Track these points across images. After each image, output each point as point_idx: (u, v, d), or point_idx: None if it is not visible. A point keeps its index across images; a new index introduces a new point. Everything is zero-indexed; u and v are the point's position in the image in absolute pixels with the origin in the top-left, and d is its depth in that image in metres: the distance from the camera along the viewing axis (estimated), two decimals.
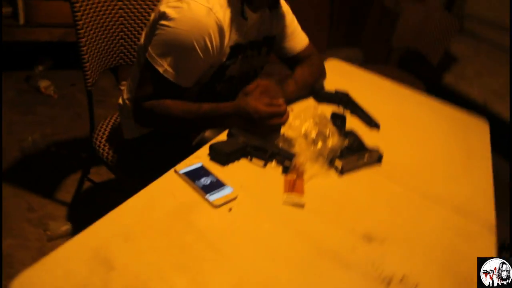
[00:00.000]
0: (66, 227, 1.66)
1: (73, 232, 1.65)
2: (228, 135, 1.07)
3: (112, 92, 2.63)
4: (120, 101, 1.39)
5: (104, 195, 1.83)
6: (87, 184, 1.77)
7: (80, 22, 1.35)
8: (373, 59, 3.92)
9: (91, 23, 1.39)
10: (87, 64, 1.39)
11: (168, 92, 1.13)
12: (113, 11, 1.48)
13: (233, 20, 1.16)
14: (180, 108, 1.14)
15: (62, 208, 1.77)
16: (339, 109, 1.42)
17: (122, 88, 1.42)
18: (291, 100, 1.33)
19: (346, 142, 1.16)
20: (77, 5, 1.33)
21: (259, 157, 1.03)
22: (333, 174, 1.08)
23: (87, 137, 1.52)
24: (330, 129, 1.17)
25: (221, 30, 1.11)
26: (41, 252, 1.54)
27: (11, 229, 1.62)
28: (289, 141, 1.12)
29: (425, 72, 3.25)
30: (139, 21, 1.56)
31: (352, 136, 1.22)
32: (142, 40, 1.25)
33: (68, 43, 2.48)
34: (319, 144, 1.12)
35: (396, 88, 1.78)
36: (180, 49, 1.09)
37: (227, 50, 1.19)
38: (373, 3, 3.98)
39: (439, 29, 2.89)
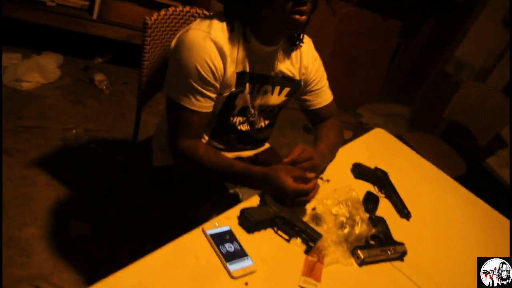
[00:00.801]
0: (86, 228, 1.71)
1: (92, 235, 1.70)
2: (261, 201, 1.09)
3: (159, 99, 2.70)
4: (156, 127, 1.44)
5: (129, 205, 1.87)
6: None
7: (147, 47, 1.40)
8: (420, 121, 3.88)
9: (155, 47, 1.45)
10: (145, 70, 1.45)
11: (191, 121, 1.16)
12: None
13: (236, 44, 1.17)
14: (212, 161, 1.17)
15: (87, 206, 1.82)
16: (374, 189, 1.41)
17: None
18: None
19: (373, 231, 1.16)
20: (149, 30, 1.38)
21: (286, 231, 1.04)
22: (353, 263, 1.08)
23: (126, 140, 1.56)
24: (360, 215, 1.17)
25: (221, 52, 1.12)
26: (60, 249, 1.60)
27: (36, 219, 1.68)
28: (317, 218, 1.13)
29: (468, 148, 3.19)
30: None
31: (380, 224, 1.21)
32: None
33: (131, 44, 2.58)
34: (347, 229, 1.12)
35: (436, 173, 1.76)
36: (187, 75, 1.11)
37: (234, 76, 1.19)
38: (434, 66, 3.94)
39: (494, 112, 2.83)
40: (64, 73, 2.57)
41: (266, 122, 1.43)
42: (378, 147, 1.72)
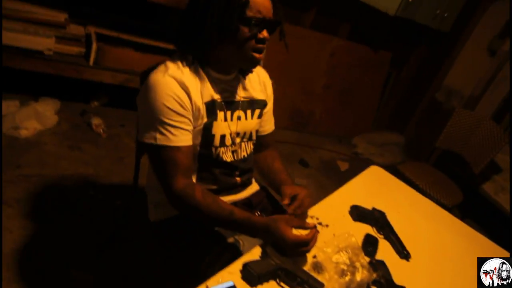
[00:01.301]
0: (88, 280, 1.70)
1: (94, 283, 1.70)
2: (262, 253, 1.10)
3: None
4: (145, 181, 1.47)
5: (131, 255, 1.87)
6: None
7: None
8: (414, 149, 3.93)
9: None
10: None
11: (175, 159, 1.17)
12: None
13: (196, 77, 1.21)
14: (211, 208, 1.17)
15: (88, 255, 1.82)
16: (373, 230, 1.43)
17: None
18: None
19: (374, 276, 1.18)
20: None
21: (288, 282, 1.06)
22: None
23: (125, 184, 1.57)
24: (360, 261, 1.19)
25: (182, 85, 1.16)
26: None
27: (36, 271, 1.68)
28: (319, 267, 1.14)
29: (464, 175, 3.22)
30: None
31: (381, 268, 1.22)
32: None
33: (127, 87, 2.63)
34: (348, 277, 1.13)
35: (432, 208, 1.78)
36: (156, 113, 1.15)
37: (203, 107, 1.22)
38: (425, 94, 4.02)
39: (486, 139, 2.88)
40: (61, 118, 2.60)
41: (249, 150, 1.44)
42: (374, 185, 1.75)
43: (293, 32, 3.47)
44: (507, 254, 0.92)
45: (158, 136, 1.16)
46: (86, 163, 2.35)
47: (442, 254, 1.48)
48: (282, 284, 1.06)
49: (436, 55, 3.99)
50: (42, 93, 2.65)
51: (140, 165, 1.58)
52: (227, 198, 1.38)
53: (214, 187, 1.35)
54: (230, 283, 0.99)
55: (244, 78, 1.37)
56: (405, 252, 1.36)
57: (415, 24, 3.49)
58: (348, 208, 1.48)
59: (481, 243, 1.64)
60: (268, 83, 1.47)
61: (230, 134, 1.33)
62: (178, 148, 1.17)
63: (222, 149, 1.32)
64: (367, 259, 1.24)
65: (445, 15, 3.54)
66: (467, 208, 3.22)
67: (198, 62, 1.22)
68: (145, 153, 1.36)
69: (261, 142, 1.50)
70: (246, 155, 1.42)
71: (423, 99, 4.05)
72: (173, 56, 1.23)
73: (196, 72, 1.22)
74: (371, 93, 4.15)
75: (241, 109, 1.35)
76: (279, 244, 1.11)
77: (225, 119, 1.29)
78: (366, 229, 1.42)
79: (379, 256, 1.30)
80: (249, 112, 1.38)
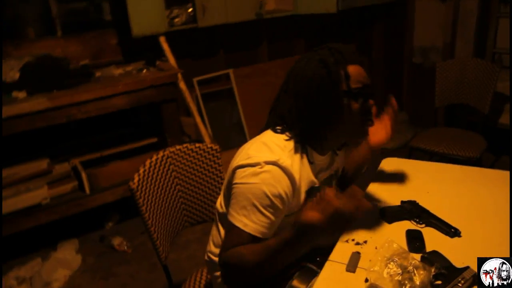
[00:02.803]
0: None
1: None
2: None
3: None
4: (206, 257, 1.40)
5: None
6: None
7: (144, 208, 1.43)
8: (419, 119, 3.86)
9: (152, 201, 1.47)
10: (158, 241, 1.45)
11: (246, 242, 1.12)
12: (169, 183, 1.56)
13: (301, 165, 1.18)
14: (252, 249, 1.10)
15: None
16: (412, 223, 1.36)
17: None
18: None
19: (433, 271, 1.11)
20: (137, 193, 1.41)
21: None
22: None
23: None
24: (412, 262, 1.12)
25: (291, 179, 1.13)
26: None
27: None
28: None
29: (477, 120, 3.15)
30: (194, 182, 1.63)
31: (436, 259, 1.15)
32: (219, 202, 1.31)
33: (130, 197, 2.63)
34: (407, 285, 1.07)
35: (461, 170, 1.70)
36: (257, 202, 1.11)
37: (303, 196, 1.20)
38: (402, 64, 4.01)
39: (480, 78, 2.83)
40: (84, 254, 2.60)
41: None
42: (393, 178, 1.69)
43: (255, 72, 3.52)
44: (507, 254, 0.91)
45: (247, 221, 1.12)
46: (124, 285, 2.32)
47: (492, 213, 1.39)
48: None
49: (394, 24, 4.01)
50: (58, 237, 2.66)
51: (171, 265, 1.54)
52: None
53: None
54: None
55: (337, 154, 1.36)
56: (452, 230, 1.29)
57: (362, 8, 3.53)
58: (378, 214, 1.42)
59: None
60: None
61: None
62: (259, 239, 1.13)
63: None
64: (418, 256, 1.18)
65: None
66: (496, 148, 3.13)
67: (302, 146, 1.20)
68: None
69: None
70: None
71: (403, 70, 4.03)
72: (277, 132, 1.21)
73: (301, 157, 1.19)
74: None
75: (327, 184, 1.33)
76: (316, 233, 1.01)
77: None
78: (405, 226, 1.35)
79: (429, 247, 1.23)
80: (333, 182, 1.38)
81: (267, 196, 1.11)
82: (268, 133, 1.22)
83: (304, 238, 1.04)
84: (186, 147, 1.61)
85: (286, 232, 1.08)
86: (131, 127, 3.02)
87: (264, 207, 1.12)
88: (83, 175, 2.52)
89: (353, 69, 1.16)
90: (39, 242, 2.69)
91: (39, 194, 2.42)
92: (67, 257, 2.46)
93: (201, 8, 2.92)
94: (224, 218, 1.25)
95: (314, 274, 1.24)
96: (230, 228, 1.16)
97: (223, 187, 1.29)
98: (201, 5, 2.92)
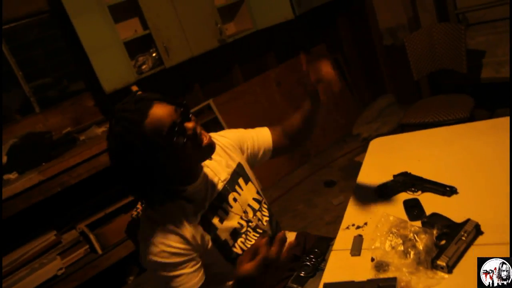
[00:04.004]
0: None
1: None
2: None
3: None
4: None
5: None
6: None
7: None
8: (407, 97, 3.87)
9: None
10: None
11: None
12: None
13: (177, 212, 1.17)
14: None
15: None
16: (409, 194, 1.36)
17: None
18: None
19: (435, 233, 1.10)
20: None
21: None
22: (443, 275, 1.00)
23: None
24: (412, 229, 1.11)
25: (174, 233, 1.13)
26: None
27: None
28: (381, 265, 1.07)
29: (462, 82, 3.16)
30: None
31: (436, 220, 1.15)
32: None
33: None
34: (412, 253, 1.06)
35: (451, 130, 1.70)
36: (163, 272, 1.12)
37: (200, 231, 1.18)
38: (375, 50, 4.05)
39: (450, 40, 2.85)
40: None
41: (264, 216, 1.37)
42: (382, 157, 1.69)
43: (234, 95, 3.56)
44: (507, 254, 0.92)
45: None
46: None
47: (487, 163, 1.38)
48: None
49: (357, 14, 4.06)
50: None
51: None
52: None
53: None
54: None
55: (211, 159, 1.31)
56: (448, 189, 1.28)
57: (322, 7, 3.59)
58: (374, 195, 1.41)
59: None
60: (229, 136, 1.42)
61: (238, 222, 1.28)
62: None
63: (241, 239, 1.27)
64: (418, 223, 1.17)
65: None
66: (488, 103, 3.11)
67: (168, 198, 1.18)
68: None
69: (278, 143, 1.47)
70: (265, 222, 1.35)
71: (377, 55, 4.06)
72: (143, 211, 1.23)
73: (173, 207, 1.18)
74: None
75: (231, 191, 1.30)
76: (259, 279, 0.96)
77: (221, 220, 1.25)
78: (403, 198, 1.33)
79: (429, 211, 1.21)
80: (237, 187, 1.34)
81: (163, 263, 1.11)
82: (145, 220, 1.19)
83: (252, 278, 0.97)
84: None
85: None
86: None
87: (168, 271, 1.11)
88: (92, 237, 2.53)
89: (152, 119, 1.07)
90: None
91: (54, 266, 2.43)
92: None
93: (164, 50, 2.98)
94: None
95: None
96: None
97: None
98: (163, 47, 2.98)
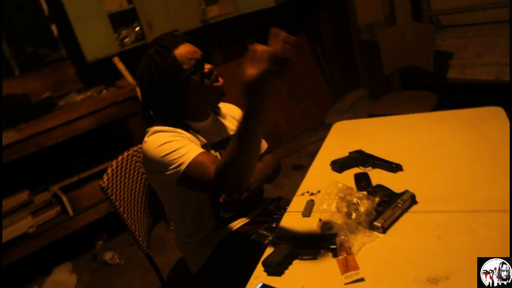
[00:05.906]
0: None
1: None
2: (272, 245, 1.18)
3: (167, 236, 2.82)
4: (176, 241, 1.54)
5: None
6: None
7: (117, 203, 1.54)
8: (378, 91, 4.03)
9: (124, 197, 1.59)
10: (136, 232, 1.56)
11: (201, 166, 1.21)
12: (137, 178, 1.67)
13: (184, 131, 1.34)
14: (226, 154, 1.14)
15: None
16: (360, 169, 1.50)
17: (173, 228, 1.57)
18: None
19: (376, 200, 1.24)
20: (108, 191, 1.53)
21: (307, 253, 1.12)
22: (378, 234, 1.14)
23: None
24: (357, 195, 1.26)
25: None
26: None
27: None
28: (326, 224, 1.21)
29: (429, 80, 3.33)
30: None
31: (380, 190, 1.30)
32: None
33: (113, 213, 2.72)
34: (354, 215, 1.20)
35: (404, 119, 1.87)
36: (169, 139, 1.27)
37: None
38: (352, 44, 4.18)
39: (420, 39, 3.01)
40: (79, 273, 2.68)
41: None
42: (342, 137, 1.84)
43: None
44: (507, 253, 0.97)
45: (185, 152, 1.24)
46: None
47: (432, 146, 1.54)
48: (304, 257, 1.12)
49: (337, 8, 4.19)
50: (52, 263, 2.73)
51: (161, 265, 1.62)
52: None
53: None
54: (260, 285, 1.06)
55: (219, 114, 1.52)
56: (394, 166, 1.44)
57: None
58: (329, 168, 1.56)
59: (460, 117, 1.72)
60: (238, 114, 1.50)
61: None
62: (201, 153, 1.25)
63: None
64: (364, 192, 1.32)
65: None
66: (451, 102, 3.29)
67: (178, 122, 1.35)
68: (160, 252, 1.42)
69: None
70: None
71: (354, 49, 4.20)
72: (156, 122, 1.35)
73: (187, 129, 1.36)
74: (313, 74, 4.30)
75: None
76: (265, 84, 1.01)
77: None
78: (354, 172, 1.48)
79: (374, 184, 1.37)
80: None
81: (167, 143, 1.26)
82: (152, 129, 1.33)
83: (258, 98, 1.03)
84: None
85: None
86: (104, 149, 3.12)
87: (176, 139, 1.27)
88: (64, 199, 2.61)
89: (180, 51, 1.32)
90: (34, 271, 2.76)
91: (25, 224, 2.50)
92: (62, 278, 2.54)
93: (147, 25, 3.05)
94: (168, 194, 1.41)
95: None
96: (189, 170, 1.22)
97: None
98: (147, 22, 3.05)
